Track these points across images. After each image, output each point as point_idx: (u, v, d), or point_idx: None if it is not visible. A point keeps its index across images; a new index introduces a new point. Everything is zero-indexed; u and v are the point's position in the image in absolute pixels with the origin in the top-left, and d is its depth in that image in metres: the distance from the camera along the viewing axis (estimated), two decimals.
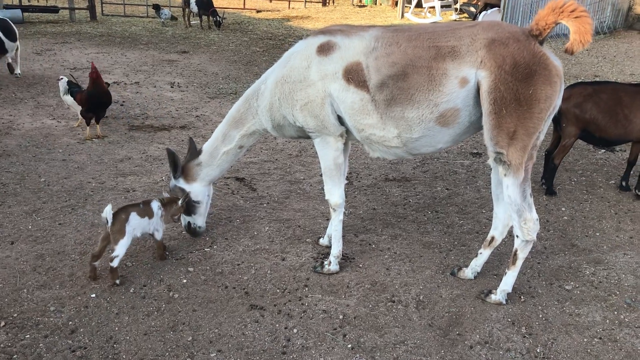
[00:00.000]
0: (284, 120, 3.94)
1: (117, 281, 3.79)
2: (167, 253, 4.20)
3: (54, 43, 13.45)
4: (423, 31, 3.60)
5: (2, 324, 3.35)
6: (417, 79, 3.46)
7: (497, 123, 3.38)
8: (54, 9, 18.51)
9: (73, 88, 6.99)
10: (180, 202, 4.20)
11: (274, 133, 4.15)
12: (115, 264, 3.74)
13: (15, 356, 3.09)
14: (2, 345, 3.17)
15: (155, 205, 4.03)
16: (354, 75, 3.58)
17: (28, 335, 3.26)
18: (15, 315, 3.44)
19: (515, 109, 3.34)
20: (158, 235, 4.06)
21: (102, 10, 19.85)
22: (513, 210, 3.58)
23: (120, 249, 3.74)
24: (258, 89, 4.09)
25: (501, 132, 3.39)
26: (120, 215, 3.78)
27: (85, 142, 6.72)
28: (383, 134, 3.67)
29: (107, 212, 3.67)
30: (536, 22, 3.41)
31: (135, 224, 3.84)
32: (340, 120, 3.79)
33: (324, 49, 3.71)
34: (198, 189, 4.40)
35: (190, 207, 4.37)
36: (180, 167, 4.37)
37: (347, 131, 3.87)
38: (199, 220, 4.49)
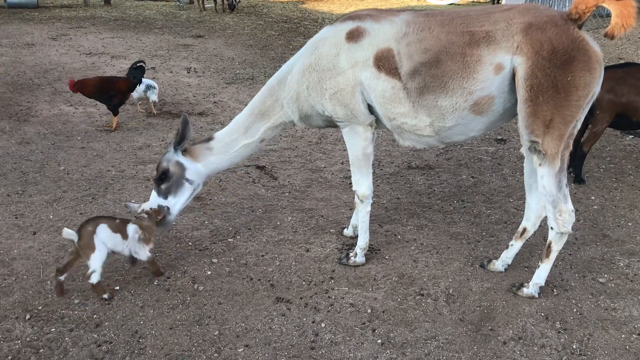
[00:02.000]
0: (312, 110, 3.81)
1: (105, 295, 3.46)
2: (162, 270, 3.80)
3: (69, 28, 13.38)
4: (456, 15, 3.46)
5: (28, 316, 3.30)
6: (450, 65, 3.33)
7: (533, 111, 3.24)
8: None
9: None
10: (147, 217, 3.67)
11: (300, 124, 4.01)
12: (94, 280, 3.39)
13: (41, 350, 3.04)
14: (28, 338, 3.12)
15: (131, 228, 3.57)
16: (385, 63, 3.45)
17: (53, 329, 3.21)
18: (40, 308, 3.39)
19: (553, 97, 3.20)
20: (142, 257, 3.64)
21: None
22: (548, 201, 3.46)
23: (94, 262, 3.37)
24: (283, 79, 3.89)
25: (537, 120, 3.26)
26: (87, 227, 3.40)
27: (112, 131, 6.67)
28: (415, 123, 3.55)
29: (66, 232, 3.35)
30: (575, 6, 3.25)
31: (105, 237, 3.43)
32: (370, 108, 3.66)
33: (354, 36, 3.57)
34: (197, 169, 3.94)
35: (176, 185, 3.82)
36: (187, 141, 3.94)
37: (377, 120, 3.74)
38: (176, 206, 3.88)
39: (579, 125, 3.41)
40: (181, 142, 3.88)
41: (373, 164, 5.86)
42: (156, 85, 7.12)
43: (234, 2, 17.45)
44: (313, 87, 3.70)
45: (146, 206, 3.64)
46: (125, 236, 3.52)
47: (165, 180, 3.82)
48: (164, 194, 3.82)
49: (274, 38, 13.44)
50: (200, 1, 17.89)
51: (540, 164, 3.39)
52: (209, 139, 4.04)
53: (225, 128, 4.09)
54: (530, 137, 3.33)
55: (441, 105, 3.42)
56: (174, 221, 4.08)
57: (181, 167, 3.87)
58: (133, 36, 12.84)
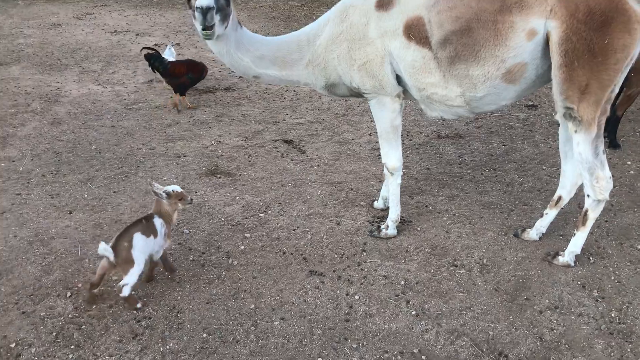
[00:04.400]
0: (339, 80, 3.76)
1: (138, 305, 3.28)
2: (154, 278, 3.55)
3: (93, 6, 13.41)
4: None
5: (69, 294, 3.39)
6: (482, 33, 3.25)
7: (568, 76, 3.16)
8: None
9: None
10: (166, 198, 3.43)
11: (322, 91, 3.94)
12: (126, 292, 3.21)
13: (83, 327, 3.12)
14: (70, 315, 3.21)
15: (157, 221, 3.40)
16: (415, 32, 3.37)
17: (94, 306, 3.29)
18: (80, 285, 3.47)
19: (589, 61, 3.11)
20: (157, 257, 3.45)
21: None
22: (584, 168, 3.39)
23: (131, 277, 3.20)
24: (313, 41, 3.70)
25: (572, 86, 3.18)
26: (123, 242, 3.22)
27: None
28: (445, 93, 3.49)
29: (102, 248, 3.15)
30: None
31: (142, 246, 3.25)
32: (398, 79, 3.60)
33: (383, 4, 3.49)
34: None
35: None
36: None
37: (404, 91, 3.68)
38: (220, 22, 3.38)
39: (616, 90, 3.31)
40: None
41: (402, 135, 5.81)
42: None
43: None
44: (343, 56, 3.64)
45: (169, 188, 3.49)
46: (156, 234, 3.36)
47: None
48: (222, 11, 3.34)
49: (296, 9, 13.28)
50: None
51: (576, 131, 3.32)
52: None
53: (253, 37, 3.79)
54: (566, 104, 3.25)
55: (473, 74, 3.35)
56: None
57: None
58: (156, 12, 12.82)
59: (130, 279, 3.20)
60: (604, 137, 5.44)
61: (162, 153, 5.42)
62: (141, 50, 7.25)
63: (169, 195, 3.43)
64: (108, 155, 5.38)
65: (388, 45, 3.49)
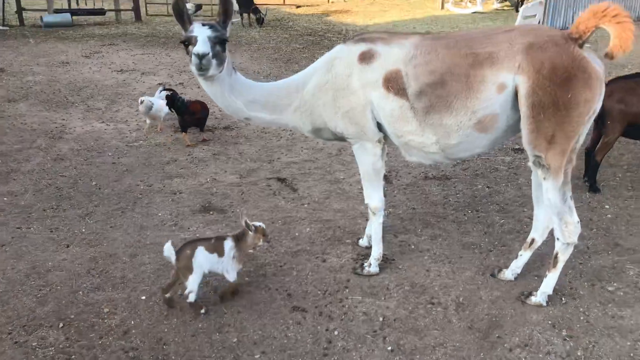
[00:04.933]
0: (324, 125, 4.01)
1: (203, 310, 3.67)
2: (235, 296, 3.86)
3: (101, 45, 13.88)
4: (460, 38, 3.62)
5: (61, 325, 3.56)
6: (455, 86, 3.49)
7: (535, 127, 3.38)
8: (101, 12, 19.06)
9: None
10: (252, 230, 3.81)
11: (309, 134, 4.20)
12: (192, 299, 3.62)
13: (73, 356, 3.29)
14: (61, 345, 3.38)
15: (228, 244, 3.76)
16: (393, 83, 3.62)
17: (85, 337, 3.46)
18: (72, 316, 3.65)
19: (554, 114, 3.33)
20: (230, 277, 3.79)
21: (146, 11, 20.30)
22: (553, 213, 3.59)
23: (192, 284, 3.61)
24: (300, 88, 3.97)
25: (540, 136, 3.40)
26: (186, 250, 3.65)
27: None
28: (422, 140, 3.71)
29: (167, 249, 3.61)
30: (576, 26, 3.39)
31: (202, 260, 3.65)
32: (379, 126, 3.84)
33: (366, 57, 3.75)
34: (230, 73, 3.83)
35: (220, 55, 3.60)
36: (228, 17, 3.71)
37: (385, 137, 3.92)
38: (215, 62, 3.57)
39: (581, 140, 3.53)
40: (226, 20, 3.69)
41: (391, 175, 6.06)
42: (154, 101, 7.26)
43: (262, 17, 17.81)
44: (329, 104, 3.89)
45: (257, 223, 3.85)
46: (221, 254, 3.72)
47: (222, 46, 3.62)
48: (217, 56, 3.57)
49: (298, 51, 13.71)
50: None
51: (544, 178, 3.53)
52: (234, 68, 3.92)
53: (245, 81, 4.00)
54: (534, 152, 3.47)
55: (446, 123, 3.58)
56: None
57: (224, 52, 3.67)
58: (162, 52, 13.26)
59: (192, 286, 3.61)
60: (585, 182, 5.70)
61: (158, 190, 5.65)
62: (160, 91, 7.60)
63: (256, 229, 3.82)
64: (107, 191, 5.61)
65: (369, 95, 3.73)
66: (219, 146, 7.02)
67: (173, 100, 6.94)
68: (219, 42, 3.57)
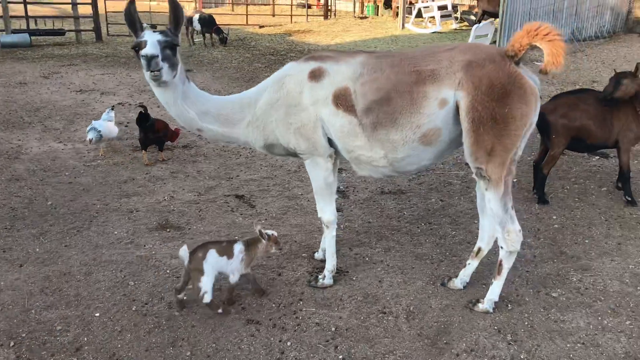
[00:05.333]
0: (277, 141, 4.10)
1: (220, 310, 3.84)
2: (234, 302, 4.03)
3: (60, 66, 13.78)
4: (405, 57, 3.78)
5: (12, 343, 3.54)
6: (400, 102, 3.64)
7: (475, 141, 3.55)
8: (61, 32, 18.91)
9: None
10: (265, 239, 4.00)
11: (261, 150, 4.28)
12: (207, 299, 3.77)
13: None
14: None
15: (237, 247, 3.95)
16: (342, 101, 3.75)
17: (36, 355, 3.45)
18: (24, 335, 3.63)
19: (492, 128, 3.50)
20: (232, 279, 3.95)
21: (107, 31, 20.21)
22: (496, 222, 3.75)
23: (204, 285, 3.76)
24: (253, 105, 4.06)
25: (480, 149, 3.56)
26: (198, 253, 3.82)
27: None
28: (371, 155, 3.84)
29: (183, 251, 3.78)
30: (512, 44, 3.58)
31: (213, 262, 3.82)
32: (329, 142, 3.96)
33: (315, 75, 3.87)
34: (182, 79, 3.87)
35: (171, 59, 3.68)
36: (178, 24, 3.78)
37: (336, 152, 4.04)
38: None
39: (519, 152, 3.71)
40: (177, 26, 3.78)
41: (348, 190, 6.18)
42: (101, 128, 7.12)
43: (225, 37, 17.93)
44: (281, 120, 3.99)
45: (269, 232, 4.04)
46: (230, 256, 3.90)
47: (173, 51, 3.70)
48: (168, 60, 3.65)
49: (260, 70, 13.84)
50: (190, 35, 18.36)
51: (486, 189, 3.69)
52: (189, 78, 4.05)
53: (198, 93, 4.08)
54: (475, 164, 3.63)
55: (393, 138, 3.72)
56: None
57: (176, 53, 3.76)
58: (123, 72, 13.23)
59: (205, 287, 3.76)
60: (534, 194, 5.92)
61: (115, 208, 5.65)
62: (136, 106, 7.58)
63: (269, 237, 4.01)
64: (63, 210, 5.58)
65: (320, 112, 3.85)
66: (177, 165, 7.05)
67: (146, 117, 6.96)
68: (169, 47, 3.64)
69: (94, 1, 18.55)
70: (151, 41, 3.57)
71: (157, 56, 3.55)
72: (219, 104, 4.14)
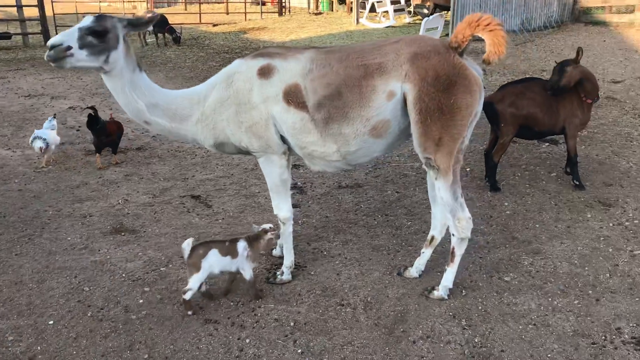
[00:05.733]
0: (227, 140, 4.08)
1: (190, 312, 3.83)
2: (261, 290, 4.13)
3: (7, 70, 13.38)
4: (352, 51, 3.82)
5: None
6: (350, 97, 3.68)
7: (423, 131, 3.61)
8: (7, 36, 18.33)
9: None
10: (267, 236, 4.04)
11: (211, 149, 4.24)
12: (187, 296, 3.78)
13: None
14: None
15: (241, 245, 3.96)
16: (293, 97, 3.76)
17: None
18: None
19: (439, 118, 3.57)
20: (246, 275, 3.97)
21: (56, 34, 19.62)
22: (447, 210, 3.83)
23: (193, 283, 3.78)
24: (202, 101, 4.04)
25: (428, 140, 3.63)
26: (199, 250, 3.82)
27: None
28: (324, 150, 3.87)
29: (186, 244, 3.79)
30: (455, 35, 3.66)
31: (214, 261, 3.83)
32: (282, 138, 3.96)
33: (265, 72, 3.86)
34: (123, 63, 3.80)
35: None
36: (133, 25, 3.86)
37: (289, 148, 4.04)
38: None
39: (466, 141, 3.80)
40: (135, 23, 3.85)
41: (305, 186, 6.20)
42: (46, 137, 6.87)
43: (178, 36, 17.69)
44: (231, 119, 3.97)
45: (266, 226, 4.06)
46: (234, 255, 3.91)
47: (99, 37, 3.63)
48: (90, 47, 3.60)
49: (215, 69, 13.70)
50: (142, 36, 18.05)
51: (436, 178, 3.77)
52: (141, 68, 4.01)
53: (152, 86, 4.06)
54: (424, 155, 3.70)
55: (344, 132, 3.76)
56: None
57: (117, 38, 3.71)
58: (73, 75, 12.92)
59: (192, 285, 3.78)
60: (486, 182, 6.06)
61: (68, 214, 5.53)
62: (83, 109, 7.40)
63: (266, 231, 4.04)
64: (13, 218, 5.43)
65: (271, 109, 3.85)
66: (131, 167, 6.94)
67: (96, 120, 6.81)
68: (92, 33, 3.59)
69: (40, 3, 18.01)
70: (70, 30, 3.59)
71: (60, 45, 3.51)
72: (168, 97, 4.08)
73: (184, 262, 3.87)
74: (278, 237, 4.18)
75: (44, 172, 6.75)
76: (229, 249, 3.92)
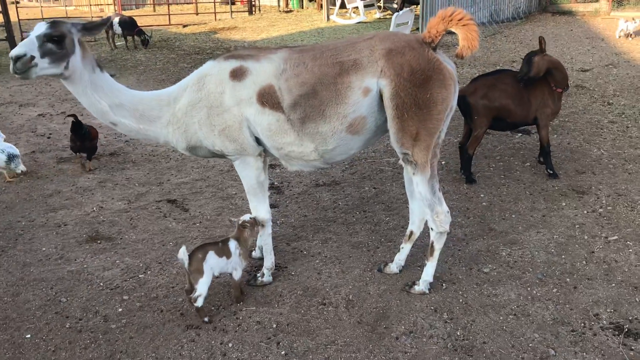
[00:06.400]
0: (200, 143, 4.03)
1: (206, 319, 3.79)
2: (244, 294, 4.11)
3: None
4: (326, 49, 3.80)
5: None
6: (326, 95, 3.66)
7: (400, 127, 3.62)
8: None
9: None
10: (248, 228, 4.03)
11: (183, 152, 4.18)
12: (199, 303, 3.73)
13: None
14: None
15: (232, 244, 3.95)
16: (267, 98, 3.73)
17: None
18: None
19: (416, 113, 3.58)
20: (236, 275, 3.98)
21: (22, 39, 19.23)
22: (425, 205, 3.84)
23: (201, 288, 3.74)
24: (172, 103, 3.97)
25: (405, 135, 3.64)
26: (197, 254, 3.79)
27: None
28: (301, 150, 3.85)
29: (182, 253, 3.69)
30: (428, 30, 3.68)
31: (214, 263, 3.82)
32: (257, 140, 3.93)
33: (237, 74, 3.82)
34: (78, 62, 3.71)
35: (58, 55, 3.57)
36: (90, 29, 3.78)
37: (265, 150, 4.01)
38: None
39: (442, 136, 3.82)
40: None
41: (282, 186, 6.17)
42: (18, 153, 6.65)
43: (147, 38, 17.45)
44: (204, 122, 3.91)
45: (245, 217, 4.05)
46: (229, 255, 3.90)
47: (58, 43, 3.57)
48: (51, 54, 3.54)
49: (186, 71, 13.57)
50: (111, 40, 17.78)
51: (414, 173, 3.78)
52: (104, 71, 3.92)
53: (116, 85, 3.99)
54: (402, 150, 3.71)
55: (322, 131, 3.74)
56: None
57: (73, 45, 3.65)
58: (42, 82, 12.65)
59: (201, 290, 3.73)
60: (462, 174, 6.10)
61: (41, 224, 5.42)
62: (66, 117, 7.26)
63: (250, 224, 4.04)
64: None
65: (244, 112, 3.81)
66: (105, 173, 6.83)
67: (80, 125, 6.75)
68: (51, 40, 3.53)
69: (4, 9, 17.59)
70: (29, 38, 3.51)
71: (24, 55, 3.45)
72: (135, 98, 4.00)
73: (182, 270, 3.90)
74: (263, 226, 4.18)
75: (14, 182, 6.59)
76: (223, 250, 3.91)
